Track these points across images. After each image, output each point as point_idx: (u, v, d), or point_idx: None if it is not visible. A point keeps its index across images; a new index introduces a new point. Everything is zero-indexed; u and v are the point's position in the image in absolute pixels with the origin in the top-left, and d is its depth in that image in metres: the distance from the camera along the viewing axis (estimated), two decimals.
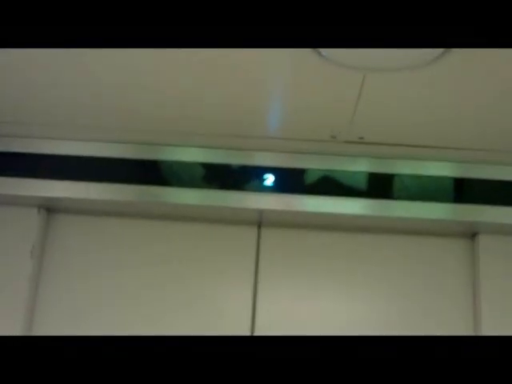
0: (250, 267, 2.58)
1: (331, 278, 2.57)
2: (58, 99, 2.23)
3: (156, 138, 2.46)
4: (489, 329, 2.40)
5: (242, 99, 2.13)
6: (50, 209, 2.65)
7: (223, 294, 2.57)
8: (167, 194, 2.48)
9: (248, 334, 2.48)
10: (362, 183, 2.44)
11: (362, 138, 2.33)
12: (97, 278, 2.58)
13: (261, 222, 2.61)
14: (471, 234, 2.58)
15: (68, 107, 2.29)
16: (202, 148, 2.50)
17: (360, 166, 2.45)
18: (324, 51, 1.75)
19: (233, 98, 2.12)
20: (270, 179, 2.46)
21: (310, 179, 2.47)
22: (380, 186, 2.44)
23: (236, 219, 2.59)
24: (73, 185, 2.49)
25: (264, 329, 2.49)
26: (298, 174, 2.48)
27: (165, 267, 2.59)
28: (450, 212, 2.45)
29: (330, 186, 2.45)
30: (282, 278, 2.58)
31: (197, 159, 2.50)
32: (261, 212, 2.51)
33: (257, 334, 2.47)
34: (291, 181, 2.48)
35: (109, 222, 2.65)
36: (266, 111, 2.22)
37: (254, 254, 2.60)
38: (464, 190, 2.47)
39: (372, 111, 2.14)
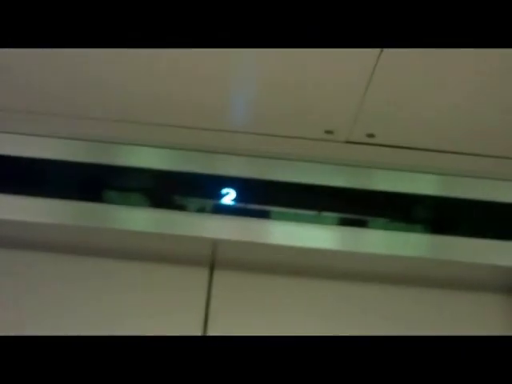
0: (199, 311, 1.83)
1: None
2: None
3: (96, 132, 1.69)
4: None
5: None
6: None
7: None
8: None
9: None
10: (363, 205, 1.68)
11: (371, 135, 1.57)
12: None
13: (214, 259, 1.81)
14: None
15: None
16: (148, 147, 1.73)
17: (365, 180, 1.68)
18: None
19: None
20: (229, 196, 1.68)
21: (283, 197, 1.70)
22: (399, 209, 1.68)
23: (183, 255, 1.81)
24: None
25: None
26: (268, 188, 1.70)
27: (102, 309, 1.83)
28: None
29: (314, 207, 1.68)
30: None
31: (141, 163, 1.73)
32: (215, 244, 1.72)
33: None
34: (257, 199, 1.70)
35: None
36: (232, 93, 1.47)
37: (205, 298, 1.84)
38: None
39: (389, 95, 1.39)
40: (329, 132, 1.58)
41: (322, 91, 1.44)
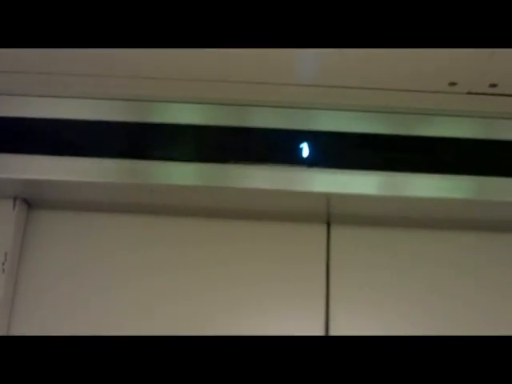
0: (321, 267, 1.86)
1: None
2: None
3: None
4: None
5: None
6: (31, 201, 1.86)
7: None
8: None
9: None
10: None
11: (494, 85, 1.60)
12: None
13: (329, 214, 1.85)
14: None
15: None
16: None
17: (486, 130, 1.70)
18: None
19: None
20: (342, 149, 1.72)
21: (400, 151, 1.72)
22: None
23: (297, 212, 1.83)
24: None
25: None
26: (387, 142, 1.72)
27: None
28: None
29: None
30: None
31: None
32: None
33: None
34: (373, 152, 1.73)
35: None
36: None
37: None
38: None
39: None
40: (452, 84, 1.61)
41: None
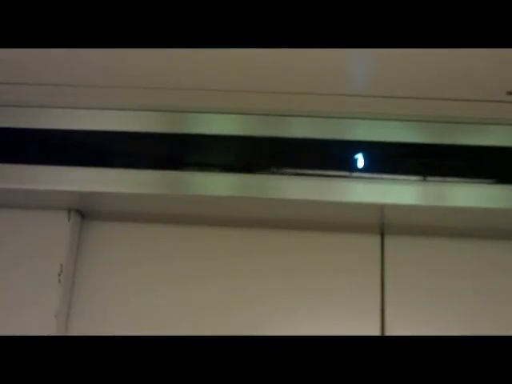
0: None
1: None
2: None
3: None
4: None
5: None
6: (84, 213, 1.88)
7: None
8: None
9: None
10: None
11: None
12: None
13: (383, 224, 1.83)
14: None
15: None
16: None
17: None
18: None
19: None
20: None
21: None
22: None
23: (350, 223, 1.82)
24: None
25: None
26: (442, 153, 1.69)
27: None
28: None
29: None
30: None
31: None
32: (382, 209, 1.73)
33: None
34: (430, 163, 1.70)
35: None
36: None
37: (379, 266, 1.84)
38: None
39: None
40: (510, 93, 1.57)
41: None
